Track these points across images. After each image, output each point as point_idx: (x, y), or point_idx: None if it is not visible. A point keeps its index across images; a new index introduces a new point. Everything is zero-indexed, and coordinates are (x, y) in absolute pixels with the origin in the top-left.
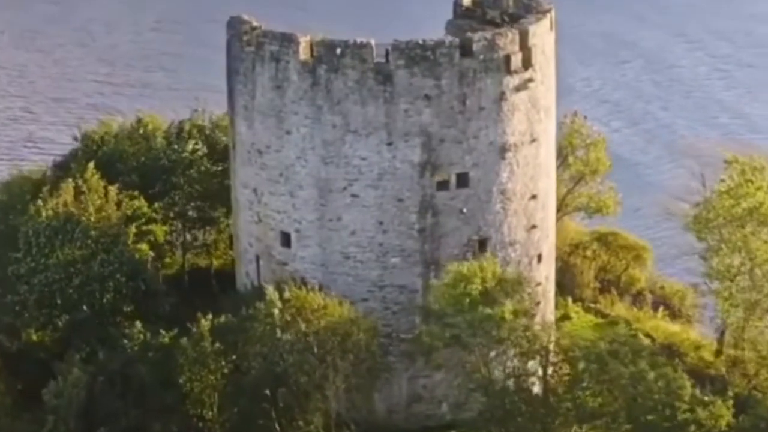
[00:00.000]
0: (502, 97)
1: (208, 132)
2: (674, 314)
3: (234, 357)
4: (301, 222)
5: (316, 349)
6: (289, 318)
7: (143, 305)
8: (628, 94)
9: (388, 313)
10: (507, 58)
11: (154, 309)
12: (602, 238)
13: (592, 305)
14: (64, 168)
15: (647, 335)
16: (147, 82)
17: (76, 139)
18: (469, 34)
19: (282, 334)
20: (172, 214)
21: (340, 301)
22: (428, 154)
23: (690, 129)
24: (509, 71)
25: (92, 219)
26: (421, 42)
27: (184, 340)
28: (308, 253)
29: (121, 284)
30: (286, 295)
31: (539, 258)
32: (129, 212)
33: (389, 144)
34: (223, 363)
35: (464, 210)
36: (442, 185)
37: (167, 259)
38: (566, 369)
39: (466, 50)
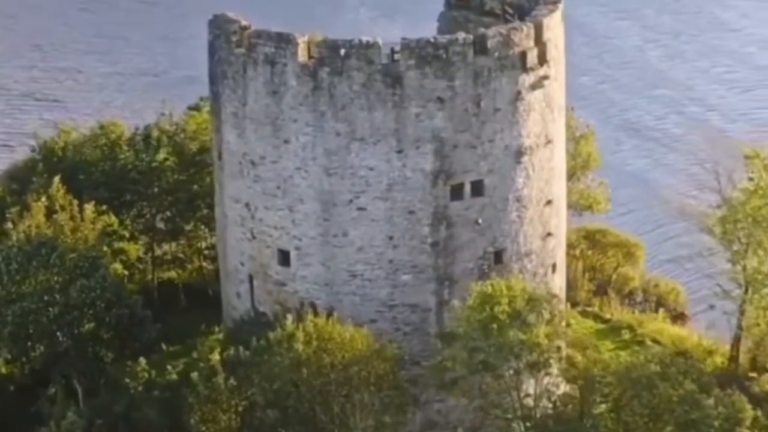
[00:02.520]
0: (517, 96)
1: (178, 140)
2: (674, 316)
3: (249, 393)
4: (302, 239)
5: (339, 385)
6: (312, 352)
7: (128, 334)
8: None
9: (399, 335)
10: (523, 55)
11: (140, 337)
12: (590, 236)
13: (588, 309)
14: (21, 181)
15: (654, 341)
16: (80, 68)
17: (33, 150)
18: (482, 30)
19: (306, 371)
20: (140, 228)
21: (367, 332)
22: (441, 162)
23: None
24: (525, 68)
25: (68, 241)
26: (432, 40)
27: (194, 376)
28: (310, 272)
29: (104, 312)
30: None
31: (554, 268)
32: (102, 231)
33: (399, 152)
34: (238, 400)
35: (479, 220)
36: (456, 194)
37: (136, 275)
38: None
39: (480, 47)
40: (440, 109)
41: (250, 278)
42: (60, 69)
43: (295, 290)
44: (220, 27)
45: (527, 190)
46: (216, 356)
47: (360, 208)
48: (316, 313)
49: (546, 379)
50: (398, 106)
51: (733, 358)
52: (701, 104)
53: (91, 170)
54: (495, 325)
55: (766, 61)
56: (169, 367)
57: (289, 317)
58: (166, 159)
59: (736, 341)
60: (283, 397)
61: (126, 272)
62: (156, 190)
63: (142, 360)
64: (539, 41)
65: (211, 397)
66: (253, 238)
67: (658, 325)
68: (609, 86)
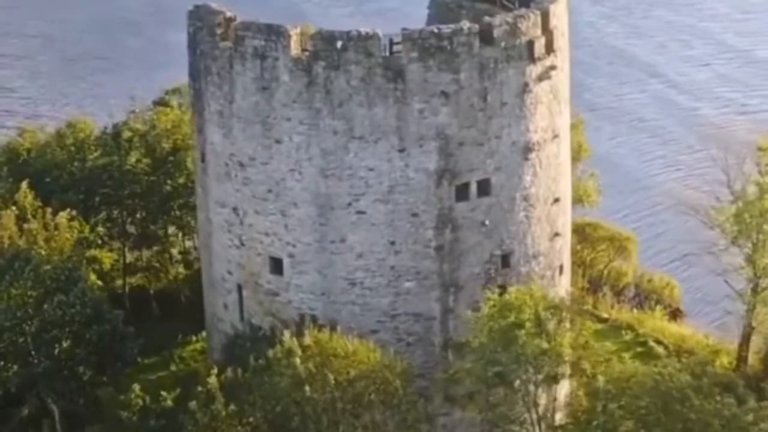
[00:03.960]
0: (525, 89)
1: (149, 138)
2: (670, 312)
3: (251, 419)
4: (296, 245)
5: (348, 404)
6: (314, 369)
7: (109, 351)
8: None
9: (401, 346)
10: (530, 44)
11: (122, 355)
12: (580, 230)
13: (584, 308)
14: None
15: (657, 341)
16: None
17: None
18: (487, 18)
19: (309, 389)
20: (112, 234)
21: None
22: (446, 160)
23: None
24: (532, 59)
25: (42, 252)
26: (435, 30)
27: (192, 404)
28: (305, 281)
29: (84, 328)
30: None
31: (561, 269)
32: (74, 239)
33: (401, 151)
34: (239, 428)
35: (486, 222)
36: (462, 195)
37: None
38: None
39: (486, 37)
40: (445, 105)
41: (239, 288)
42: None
43: (289, 300)
44: (201, 19)
45: (535, 188)
46: (213, 380)
47: (359, 212)
48: (319, 328)
49: (563, 391)
50: (400, 101)
51: (742, 358)
52: (663, 81)
53: (59, 173)
54: (520, 333)
55: (722, 35)
56: (163, 393)
57: (287, 332)
58: (138, 161)
59: (746, 340)
60: (287, 419)
61: (100, 283)
62: (127, 192)
63: (136, 386)
64: (546, 29)
65: (211, 425)
66: (242, 245)
67: (658, 323)
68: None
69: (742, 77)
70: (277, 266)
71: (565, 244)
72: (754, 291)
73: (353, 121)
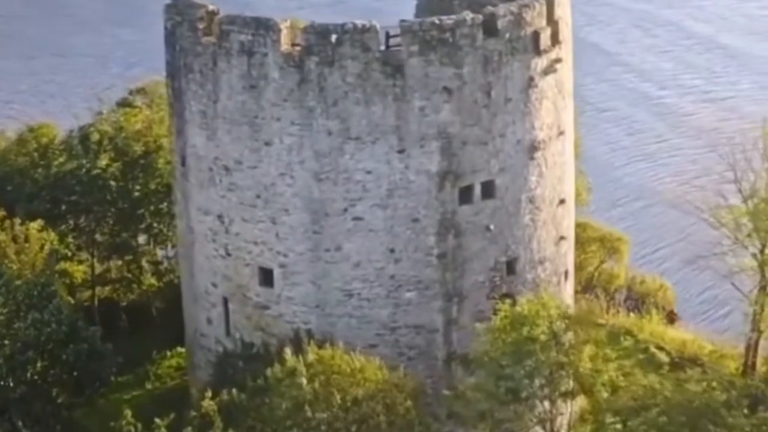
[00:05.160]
0: (530, 83)
1: (119, 142)
2: (668, 316)
3: None
4: (288, 254)
5: (353, 426)
6: (319, 388)
7: (86, 372)
8: None
9: (402, 360)
10: (535, 36)
11: (100, 375)
12: None
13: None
14: None
15: (659, 348)
16: None
17: None
18: (489, 8)
19: (313, 411)
20: (80, 244)
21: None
22: (448, 161)
23: None
24: (538, 51)
25: (13, 267)
26: (437, 21)
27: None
28: (298, 293)
29: (60, 348)
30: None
31: (566, 275)
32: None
33: (401, 152)
34: None
35: (491, 227)
36: (465, 198)
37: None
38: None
39: (490, 28)
40: (447, 101)
41: (225, 301)
42: None
43: (280, 314)
44: (181, 13)
45: (540, 189)
46: (209, 403)
47: (356, 218)
48: (320, 344)
49: (576, 407)
50: (399, 99)
51: (750, 363)
52: (627, 70)
53: (22, 180)
54: (534, 347)
55: (679, 20)
56: (157, 420)
57: (287, 349)
58: (108, 165)
59: (755, 345)
60: None
61: (71, 300)
62: (96, 199)
63: (128, 413)
64: (551, 20)
65: None
66: (228, 255)
67: (657, 328)
68: None
69: (704, 64)
70: (267, 277)
71: (569, 248)
72: (763, 292)
73: (349, 121)
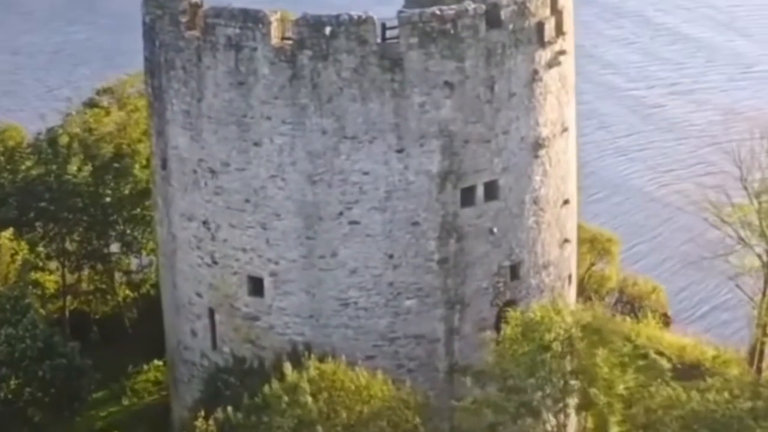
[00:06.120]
0: (534, 77)
1: (89, 143)
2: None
3: None
4: (279, 262)
5: None
6: (323, 406)
7: (63, 389)
8: None
9: (402, 372)
10: (539, 27)
11: (79, 393)
12: None
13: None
14: None
15: (659, 353)
16: None
17: None
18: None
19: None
20: (50, 253)
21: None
22: (450, 161)
23: None
24: (542, 43)
25: None
26: (438, 12)
27: None
28: (290, 303)
29: (35, 365)
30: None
31: (569, 279)
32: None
33: (399, 151)
34: None
35: (495, 229)
36: (467, 199)
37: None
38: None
39: (492, 19)
40: (448, 97)
41: (211, 312)
42: None
43: (271, 325)
44: (162, 6)
45: (545, 189)
46: (204, 423)
47: (352, 222)
48: (321, 358)
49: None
50: (398, 94)
51: (755, 368)
52: (592, 61)
53: None
54: (546, 357)
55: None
56: None
57: (287, 364)
58: (79, 169)
59: (760, 349)
60: None
61: (42, 312)
62: (67, 205)
63: None
64: (555, 9)
65: None
66: (214, 263)
67: (654, 332)
68: None
69: (670, 55)
70: (256, 287)
71: (573, 251)
72: None
73: (344, 119)
